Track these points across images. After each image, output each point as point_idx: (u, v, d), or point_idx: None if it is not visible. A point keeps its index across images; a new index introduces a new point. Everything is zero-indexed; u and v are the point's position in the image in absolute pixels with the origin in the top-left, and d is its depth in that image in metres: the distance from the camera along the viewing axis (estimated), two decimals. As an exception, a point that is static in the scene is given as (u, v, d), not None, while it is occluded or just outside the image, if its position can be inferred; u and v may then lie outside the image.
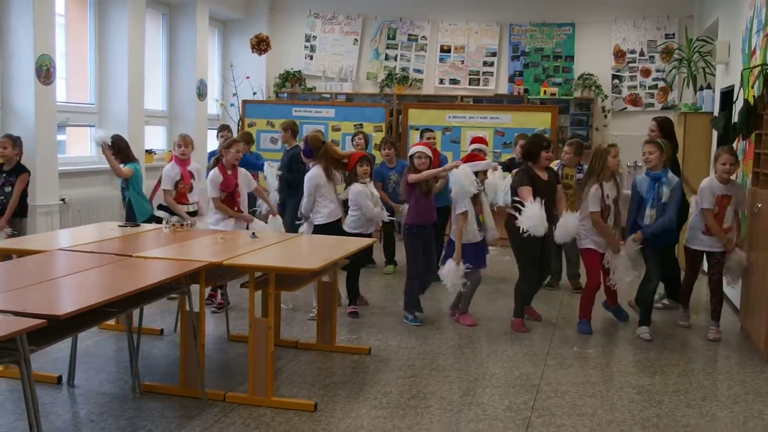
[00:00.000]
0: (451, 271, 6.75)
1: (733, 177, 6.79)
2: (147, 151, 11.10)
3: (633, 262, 6.78)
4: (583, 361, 6.08)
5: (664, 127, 7.71)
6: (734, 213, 6.80)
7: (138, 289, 4.29)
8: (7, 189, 7.42)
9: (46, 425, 4.53)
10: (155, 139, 11.96)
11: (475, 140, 8.04)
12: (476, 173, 6.88)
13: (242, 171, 7.39)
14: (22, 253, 5.25)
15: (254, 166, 8.91)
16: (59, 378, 5.32)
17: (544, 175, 6.91)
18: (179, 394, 5.10)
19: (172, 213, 7.55)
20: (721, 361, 6.31)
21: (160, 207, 7.78)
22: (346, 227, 7.19)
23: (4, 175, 7.46)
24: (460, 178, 6.71)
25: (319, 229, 7.01)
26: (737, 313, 7.39)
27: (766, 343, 6.14)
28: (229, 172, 7.19)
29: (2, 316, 3.52)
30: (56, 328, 3.70)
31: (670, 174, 6.78)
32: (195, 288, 5.04)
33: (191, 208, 7.72)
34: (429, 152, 7.00)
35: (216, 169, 7.21)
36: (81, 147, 10.51)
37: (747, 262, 6.67)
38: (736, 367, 6.09)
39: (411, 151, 7.14)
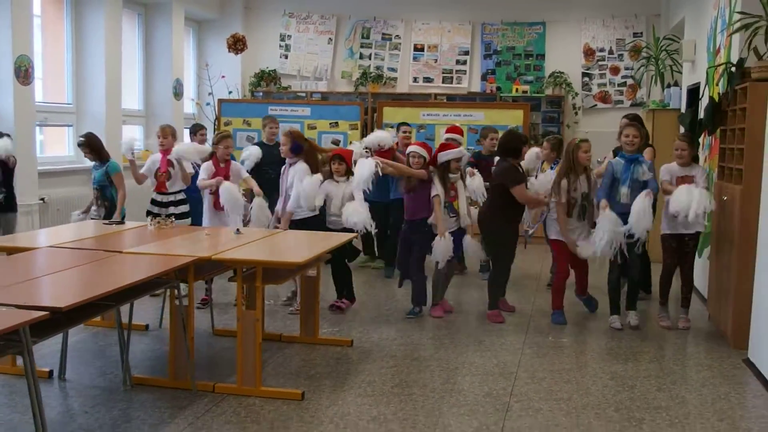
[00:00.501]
0: (439, 245, 6.98)
1: (702, 165, 7.03)
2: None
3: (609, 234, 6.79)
4: (558, 350, 6.30)
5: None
6: None
7: (132, 283, 4.45)
8: None
9: (40, 417, 4.66)
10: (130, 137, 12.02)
11: (449, 130, 8.29)
12: (449, 161, 7.09)
13: (235, 165, 7.57)
14: (12, 251, 5.38)
15: None
16: (50, 372, 5.44)
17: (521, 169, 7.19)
18: (169, 386, 5.23)
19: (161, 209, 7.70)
20: (690, 347, 6.56)
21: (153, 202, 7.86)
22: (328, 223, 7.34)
23: None
24: (362, 167, 6.99)
25: (299, 224, 7.14)
26: (705, 302, 7.66)
27: (732, 330, 6.40)
28: (222, 165, 7.37)
29: (5, 309, 3.66)
30: (56, 320, 3.83)
31: (644, 157, 7.00)
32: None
33: (171, 198, 7.80)
34: (424, 153, 7.16)
35: (210, 161, 7.39)
36: (58, 147, 10.58)
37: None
38: (704, 353, 6.34)
39: (407, 150, 7.33)
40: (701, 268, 7.89)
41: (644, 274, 7.84)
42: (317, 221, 7.19)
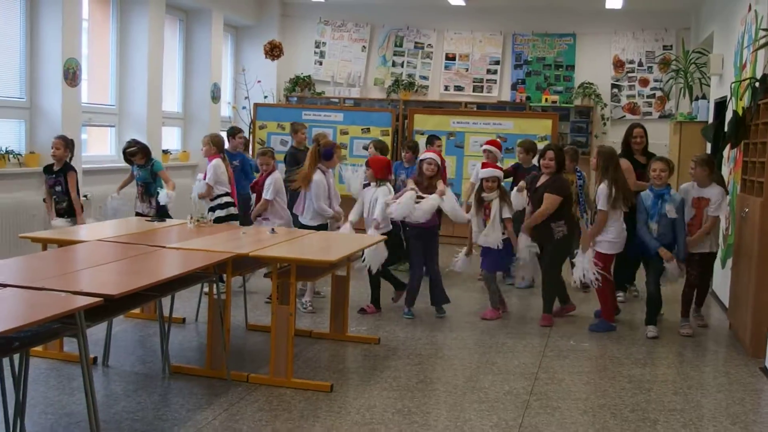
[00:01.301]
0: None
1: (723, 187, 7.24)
2: (163, 151, 11.53)
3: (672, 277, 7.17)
4: (578, 354, 6.51)
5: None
6: (710, 216, 7.11)
7: (175, 275, 4.74)
8: (58, 188, 7.78)
9: (84, 401, 4.94)
10: (171, 139, 12.39)
11: (488, 143, 8.56)
12: (487, 179, 7.34)
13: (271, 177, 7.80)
14: (63, 243, 5.70)
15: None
16: (95, 359, 5.74)
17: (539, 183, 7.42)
18: (206, 375, 5.53)
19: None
20: (708, 355, 6.76)
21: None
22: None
23: (54, 175, 7.81)
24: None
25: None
26: (726, 312, 7.83)
27: (750, 339, 6.57)
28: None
29: (64, 295, 3.96)
30: (105, 307, 4.10)
31: (673, 191, 7.16)
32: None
33: (213, 203, 8.12)
34: (438, 160, 7.43)
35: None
36: (101, 146, 10.92)
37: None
38: (722, 361, 6.54)
39: (421, 156, 7.60)
40: (723, 278, 8.06)
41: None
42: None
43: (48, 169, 7.86)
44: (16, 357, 4.22)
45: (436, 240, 7.63)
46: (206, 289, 7.25)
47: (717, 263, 7.98)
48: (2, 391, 4.17)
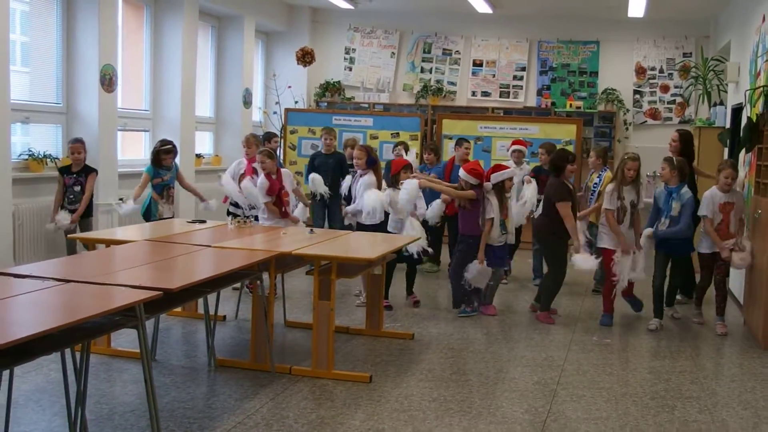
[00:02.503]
0: (476, 270, 7.54)
1: (737, 188, 7.51)
2: (196, 155, 11.88)
3: (639, 264, 7.51)
4: (602, 347, 6.84)
5: (684, 139, 8.49)
6: (739, 219, 7.49)
7: (225, 272, 5.10)
8: (77, 189, 8.20)
9: (136, 391, 5.31)
10: (203, 144, 12.74)
11: (515, 143, 8.88)
12: (503, 181, 7.65)
13: (285, 172, 8.05)
14: (111, 243, 6.07)
15: None
16: (144, 352, 6.11)
17: (569, 185, 7.70)
18: (250, 368, 5.86)
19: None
20: (723, 348, 7.07)
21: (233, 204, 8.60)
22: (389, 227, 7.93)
23: (74, 175, 8.23)
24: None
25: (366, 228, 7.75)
26: (741, 308, 8.13)
27: (764, 333, 6.89)
28: (274, 176, 7.72)
29: (124, 289, 4.31)
30: (161, 301, 4.40)
31: (684, 189, 7.46)
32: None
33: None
34: (471, 179, 7.61)
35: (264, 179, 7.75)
36: (135, 150, 11.27)
37: (751, 257, 7.31)
38: (737, 354, 6.85)
39: (459, 174, 7.85)
40: (738, 276, 8.34)
41: (690, 283, 8.35)
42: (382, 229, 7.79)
43: (66, 170, 8.26)
44: (71, 352, 4.52)
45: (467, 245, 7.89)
46: (244, 288, 7.70)
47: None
48: (65, 381, 4.44)
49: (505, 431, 4.82)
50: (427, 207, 8.19)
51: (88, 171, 8.29)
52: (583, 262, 7.54)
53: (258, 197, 7.79)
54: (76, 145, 8.25)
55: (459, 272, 7.66)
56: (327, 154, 9.69)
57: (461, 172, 7.76)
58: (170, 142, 8.61)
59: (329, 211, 9.70)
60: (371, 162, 7.83)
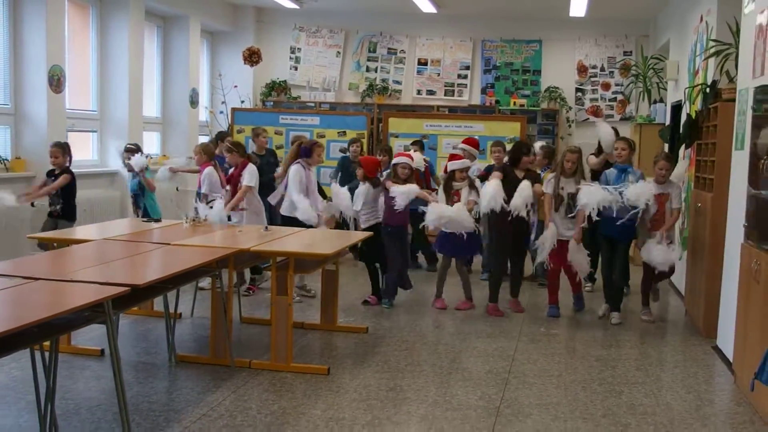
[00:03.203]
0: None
1: (676, 180, 7.78)
2: (147, 155, 11.85)
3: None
4: (550, 338, 7.09)
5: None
6: (673, 210, 7.64)
7: (189, 267, 5.23)
8: (56, 191, 8.19)
9: (99, 387, 5.43)
10: (150, 144, 12.71)
11: (465, 141, 9.10)
12: (454, 171, 7.89)
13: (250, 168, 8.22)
14: (73, 242, 6.13)
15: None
16: (102, 351, 6.16)
17: (520, 175, 7.89)
18: (210, 363, 5.98)
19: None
20: (667, 337, 7.38)
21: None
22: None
23: (53, 178, 8.21)
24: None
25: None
26: (683, 299, 8.47)
27: (704, 322, 7.21)
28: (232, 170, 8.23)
29: (92, 285, 4.41)
30: (128, 297, 4.53)
31: (634, 167, 7.76)
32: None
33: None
34: (411, 163, 7.97)
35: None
36: (83, 151, 11.20)
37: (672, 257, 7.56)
38: (679, 342, 7.16)
39: (395, 161, 8.12)
40: (680, 269, 8.66)
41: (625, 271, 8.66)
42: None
43: (50, 173, 8.29)
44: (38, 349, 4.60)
45: (407, 237, 8.24)
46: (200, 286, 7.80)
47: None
48: (35, 377, 4.51)
49: (461, 417, 5.02)
50: None
51: (62, 172, 8.23)
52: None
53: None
54: (53, 149, 8.22)
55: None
56: (262, 154, 9.79)
57: (400, 159, 8.09)
58: (132, 144, 8.85)
59: None
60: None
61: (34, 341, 3.97)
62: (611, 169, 7.83)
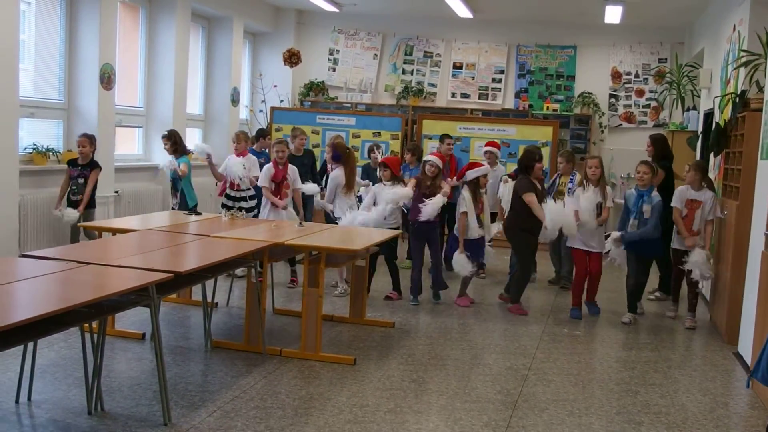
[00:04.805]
0: (459, 259, 8.03)
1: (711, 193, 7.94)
2: (188, 150, 12.20)
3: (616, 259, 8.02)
4: (572, 338, 7.29)
5: (658, 143, 8.95)
6: (706, 219, 7.84)
7: (228, 258, 5.53)
8: (81, 180, 8.57)
9: (140, 367, 5.77)
10: (192, 140, 13.03)
11: (489, 144, 9.30)
12: (478, 177, 8.11)
13: (292, 168, 8.56)
14: (118, 231, 6.48)
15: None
16: (143, 335, 6.50)
17: (538, 185, 8.12)
18: (243, 350, 6.28)
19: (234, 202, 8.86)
20: (688, 341, 7.54)
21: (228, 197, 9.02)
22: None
23: (80, 168, 8.61)
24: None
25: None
26: (708, 305, 8.61)
27: (726, 328, 7.35)
28: (281, 167, 8.42)
29: (138, 271, 4.72)
30: (169, 283, 4.83)
31: (654, 193, 7.87)
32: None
33: (243, 194, 8.98)
34: (440, 163, 8.20)
35: (270, 164, 8.47)
36: (129, 145, 11.62)
37: (709, 260, 7.76)
38: (700, 346, 7.32)
39: (425, 158, 8.37)
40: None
41: (666, 280, 8.91)
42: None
43: (73, 163, 8.65)
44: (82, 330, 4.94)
45: (436, 234, 8.41)
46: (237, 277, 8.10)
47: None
48: (84, 354, 4.87)
49: (479, 409, 5.25)
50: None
51: (93, 165, 8.65)
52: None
53: (238, 174, 8.74)
54: (82, 139, 8.64)
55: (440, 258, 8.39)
56: (299, 155, 10.00)
57: (429, 157, 8.32)
58: (168, 131, 9.23)
59: None
60: (337, 157, 8.46)
61: (84, 320, 4.29)
62: (632, 191, 8.00)
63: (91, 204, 8.70)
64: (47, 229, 8.85)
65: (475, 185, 8.13)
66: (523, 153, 8.64)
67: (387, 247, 8.06)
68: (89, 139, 8.65)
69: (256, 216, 8.74)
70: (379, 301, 8.25)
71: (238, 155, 8.94)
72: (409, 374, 5.90)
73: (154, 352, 6.14)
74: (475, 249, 8.14)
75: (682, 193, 7.92)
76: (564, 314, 8.16)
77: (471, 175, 8.12)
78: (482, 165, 8.37)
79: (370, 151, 10.03)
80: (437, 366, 6.17)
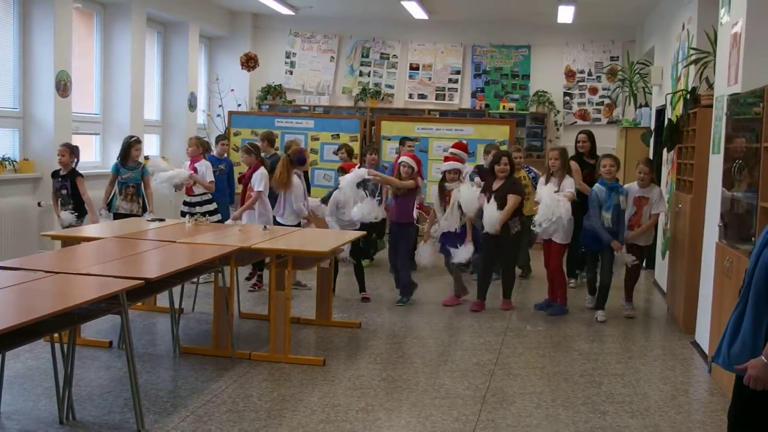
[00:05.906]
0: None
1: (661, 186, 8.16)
2: (144, 157, 12.15)
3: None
4: (535, 334, 7.43)
5: (593, 138, 9.20)
6: (652, 214, 8.02)
7: (196, 263, 5.57)
8: (63, 191, 8.47)
9: (109, 375, 5.77)
10: (150, 146, 13.00)
11: (455, 146, 9.36)
12: (446, 171, 8.24)
13: (262, 172, 8.47)
14: (82, 240, 6.46)
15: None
16: (110, 342, 6.50)
17: (497, 185, 8.17)
18: (212, 354, 6.30)
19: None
20: (648, 332, 7.75)
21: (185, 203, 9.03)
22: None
23: (60, 179, 8.51)
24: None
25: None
26: (665, 296, 8.82)
27: (683, 318, 7.55)
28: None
29: (107, 279, 4.74)
30: (139, 290, 4.86)
31: (622, 185, 8.06)
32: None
33: (197, 199, 9.00)
34: (413, 163, 8.29)
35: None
36: (86, 153, 11.46)
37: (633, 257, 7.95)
38: (660, 337, 7.52)
39: (399, 160, 8.46)
40: (663, 267, 9.03)
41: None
42: None
43: (55, 174, 8.56)
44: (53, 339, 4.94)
45: (408, 234, 8.44)
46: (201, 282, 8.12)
47: (657, 254, 9.00)
48: (54, 364, 4.86)
49: (449, 404, 5.36)
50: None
51: (74, 175, 8.52)
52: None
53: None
54: (62, 149, 8.54)
55: (406, 261, 8.35)
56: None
57: (404, 158, 8.41)
58: (134, 138, 9.04)
59: None
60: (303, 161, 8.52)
61: (55, 329, 4.30)
62: (598, 185, 7.98)
63: (83, 212, 8.58)
64: (10, 238, 8.78)
65: (442, 180, 8.31)
66: (493, 154, 8.61)
67: (355, 249, 8.18)
68: (69, 149, 8.53)
69: (221, 221, 8.75)
70: (345, 303, 8.31)
71: (192, 160, 8.93)
72: (378, 373, 5.98)
73: (124, 360, 6.22)
74: (454, 241, 8.19)
75: (630, 189, 8.07)
76: (527, 311, 8.29)
77: (444, 167, 8.34)
78: (454, 159, 8.45)
79: (338, 150, 10.11)
80: (405, 364, 6.27)
